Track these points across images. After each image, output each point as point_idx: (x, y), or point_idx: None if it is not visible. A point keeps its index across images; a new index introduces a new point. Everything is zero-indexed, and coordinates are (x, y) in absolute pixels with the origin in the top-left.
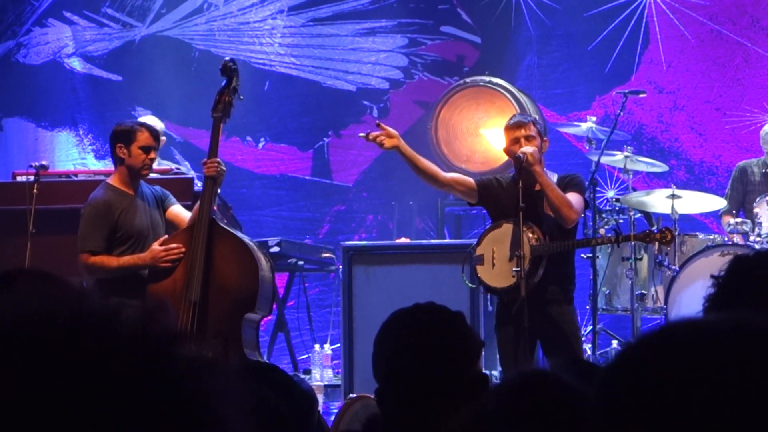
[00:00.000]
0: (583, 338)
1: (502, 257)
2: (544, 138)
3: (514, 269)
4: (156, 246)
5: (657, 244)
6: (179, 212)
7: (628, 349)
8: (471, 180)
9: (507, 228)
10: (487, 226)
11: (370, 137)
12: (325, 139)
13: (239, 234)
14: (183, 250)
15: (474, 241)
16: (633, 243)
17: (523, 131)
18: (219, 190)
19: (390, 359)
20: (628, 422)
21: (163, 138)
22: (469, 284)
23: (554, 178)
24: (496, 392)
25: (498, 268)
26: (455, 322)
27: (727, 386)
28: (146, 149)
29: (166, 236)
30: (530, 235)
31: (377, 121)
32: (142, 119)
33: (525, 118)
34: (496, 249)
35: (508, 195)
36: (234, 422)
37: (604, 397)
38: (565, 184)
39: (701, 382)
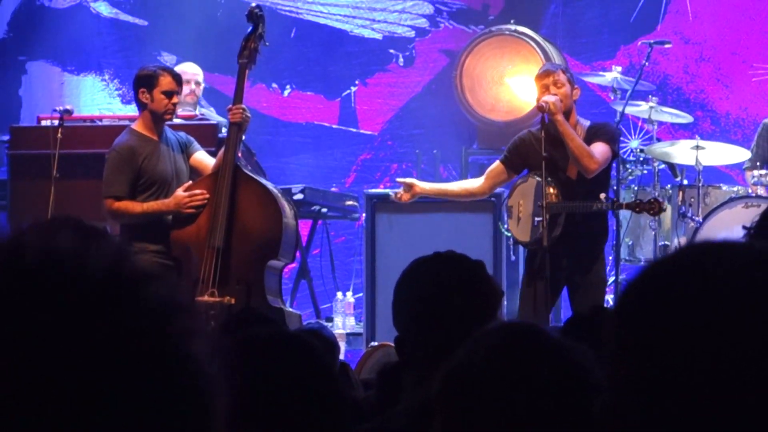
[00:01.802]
0: (607, 288)
1: (526, 211)
2: (575, 86)
3: (536, 219)
4: (180, 192)
5: (647, 214)
6: (203, 158)
7: (658, 262)
8: (499, 165)
9: (532, 182)
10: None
11: (396, 198)
12: (352, 87)
13: (263, 181)
14: (207, 196)
15: (504, 191)
16: (657, 193)
17: (551, 78)
18: (243, 137)
19: (410, 307)
20: (648, 333)
21: (201, 84)
22: (506, 232)
23: (586, 125)
24: (479, 343)
25: (523, 222)
26: (476, 271)
27: (754, 305)
28: (169, 94)
29: (191, 182)
30: (550, 191)
31: (398, 179)
32: (180, 66)
33: (553, 66)
34: (522, 202)
35: (535, 146)
36: (206, 362)
37: (625, 308)
38: (593, 133)
39: (728, 299)
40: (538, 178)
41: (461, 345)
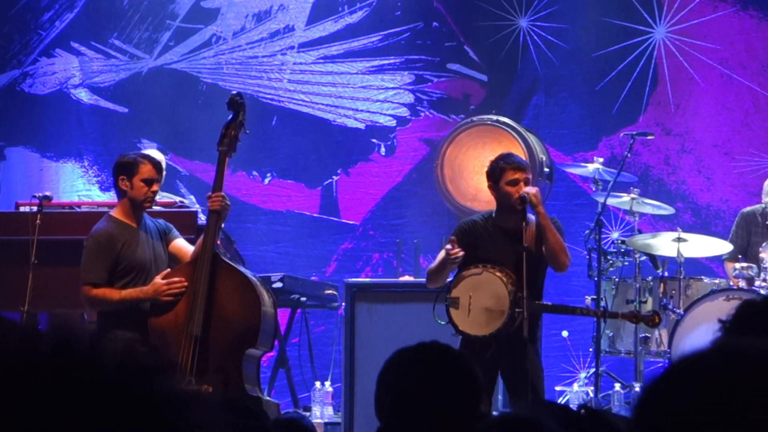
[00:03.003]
0: (586, 380)
1: (479, 306)
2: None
3: (516, 310)
4: (158, 279)
5: (645, 325)
6: (182, 246)
7: (667, 373)
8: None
9: (487, 277)
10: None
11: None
12: (334, 177)
13: (242, 269)
14: (185, 283)
15: None
16: (638, 285)
17: (525, 175)
18: (223, 225)
19: (393, 398)
20: None
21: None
22: (439, 321)
23: (533, 221)
24: None
25: (474, 316)
26: (459, 362)
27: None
28: (149, 182)
29: (169, 270)
30: (509, 286)
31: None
32: (145, 152)
33: (526, 163)
34: (473, 296)
35: (485, 237)
36: None
37: (643, 418)
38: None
39: (743, 406)
40: (495, 273)
41: None
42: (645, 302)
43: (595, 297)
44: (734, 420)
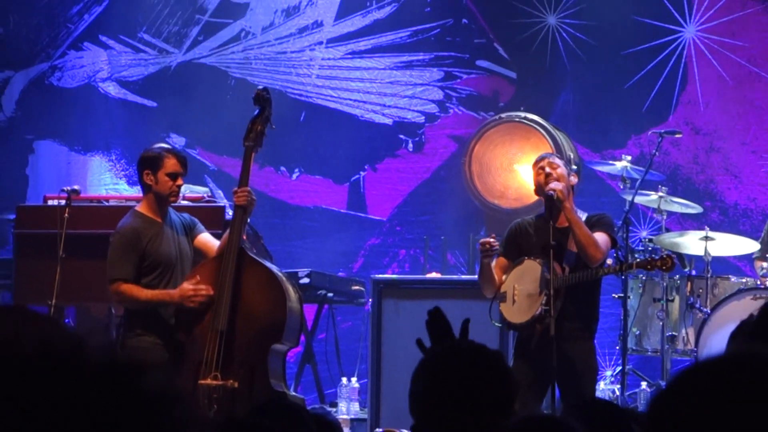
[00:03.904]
0: (612, 378)
1: (522, 293)
2: (572, 173)
3: (543, 308)
4: (186, 284)
5: (660, 270)
6: (207, 240)
7: (683, 376)
8: (503, 260)
9: (528, 264)
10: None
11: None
12: (361, 172)
13: (268, 264)
14: (211, 292)
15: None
16: (665, 283)
17: (546, 161)
18: (249, 220)
19: (427, 397)
20: None
21: None
22: (496, 323)
23: (583, 216)
24: None
25: (518, 304)
26: (495, 362)
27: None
28: (173, 176)
29: (198, 277)
30: (544, 265)
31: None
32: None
33: (546, 153)
34: (517, 285)
35: (530, 235)
36: None
37: (658, 421)
38: (593, 224)
39: (757, 413)
40: (534, 260)
41: None
42: (672, 300)
43: (618, 295)
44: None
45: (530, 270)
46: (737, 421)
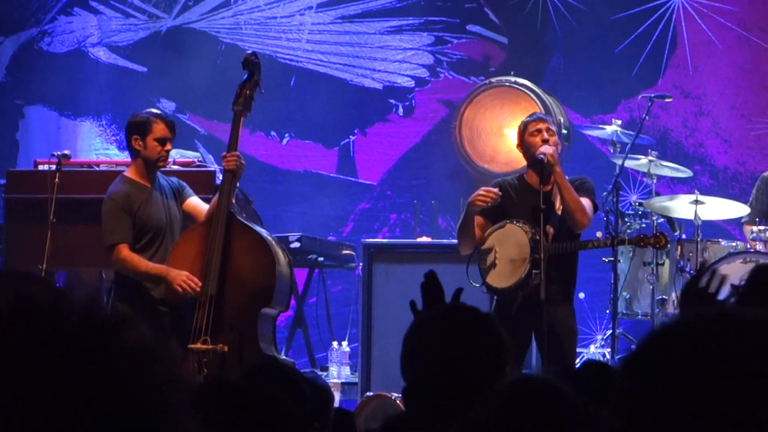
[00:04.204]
0: (603, 342)
1: (504, 257)
2: (559, 141)
3: (533, 271)
4: (186, 273)
5: (652, 248)
6: (197, 204)
7: (658, 333)
8: (480, 219)
9: (511, 229)
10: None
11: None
12: (351, 137)
13: (257, 228)
14: (199, 289)
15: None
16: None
17: (545, 124)
18: (239, 184)
19: (419, 360)
20: (656, 405)
21: None
22: (474, 284)
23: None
24: (494, 399)
25: (500, 268)
26: (487, 324)
27: (758, 374)
28: (162, 141)
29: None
30: (529, 233)
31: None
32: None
33: (545, 115)
34: (498, 249)
35: (511, 196)
36: (179, 408)
37: (632, 380)
38: (576, 188)
39: (733, 369)
40: (517, 225)
41: (471, 398)
42: (662, 264)
43: (608, 259)
44: (709, 392)
45: (513, 234)
46: (707, 384)
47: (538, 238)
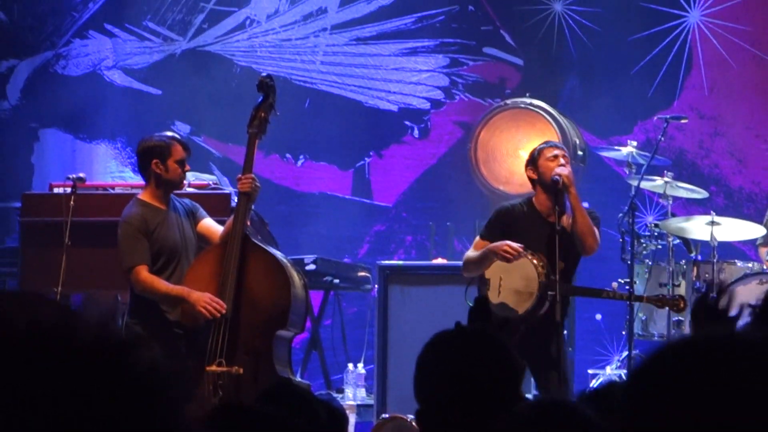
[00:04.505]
0: (619, 364)
1: (509, 287)
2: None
3: (549, 293)
4: (209, 295)
5: (670, 310)
6: (210, 225)
7: (666, 351)
8: (484, 242)
9: (520, 260)
10: None
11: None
12: (366, 159)
13: (272, 250)
14: (224, 311)
15: None
16: (671, 268)
17: (563, 151)
18: (254, 206)
19: (433, 381)
20: (659, 421)
21: None
22: (470, 303)
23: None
24: (517, 420)
25: (503, 298)
26: (499, 346)
27: (758, 397)
28: (182, 162)
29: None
30: (540, 269)
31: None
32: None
33: (562, 146)
34: (503, 278)
35: (518, 222)
36: (190, 428)
37: (637, 395)
38: None
39: (734, 392)
40: (528, 256)
41: (484, 421)
42: (678, 286)
43: (624, 280)
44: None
45: (520, 266)
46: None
47: (553, 277)
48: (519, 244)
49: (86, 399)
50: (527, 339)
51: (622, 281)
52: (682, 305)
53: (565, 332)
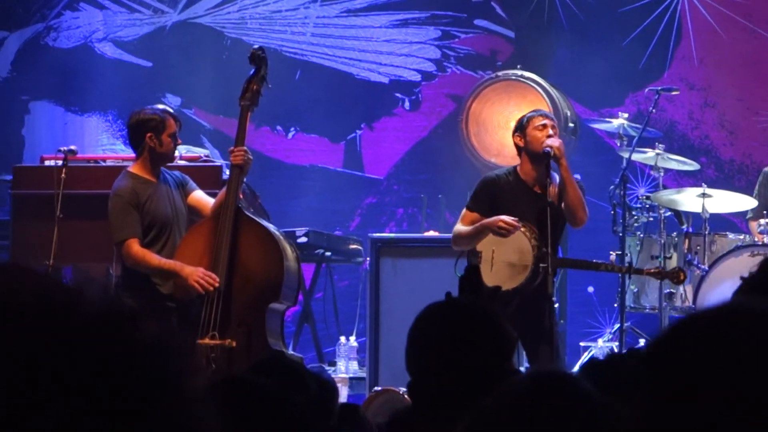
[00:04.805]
0: (611, 336)
1: (502, 260)
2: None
3: (541, 265)
4: (202, 269)
5: (670, 281)
6: (201, 197)
7: (682, 325)
8: (473, 215)
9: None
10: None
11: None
12: (358, 131)
13: (265, 223)
14: (217, 285)
15: None
16: (663, 241)
17: (551, 121)
18: (246, 179)
19: (424, 354)
20: (678, 395)
21: None
22: (459, 275)
23: (557, 179)
24: (512, 390)
25: (497, 270)
26: (491, 317)
27: None
28: (174, 136)
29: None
30: (532, 240)
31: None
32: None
33: (547, 112)
34: (496, 250)
35: (507, 191)
36: (197, 399)
37: (655, 369)
38: None
39: (756, 362)
40: (521, 230)
41: (476, 392)
42: (670, 258)
43: (620, 252)
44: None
45: (513, 238)
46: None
47: (545, 249)
48: (513, 218)
49: (91, 373)
50: (519, 312)
51: (614, 254)
52: (681, 277)
53: (557, 305)
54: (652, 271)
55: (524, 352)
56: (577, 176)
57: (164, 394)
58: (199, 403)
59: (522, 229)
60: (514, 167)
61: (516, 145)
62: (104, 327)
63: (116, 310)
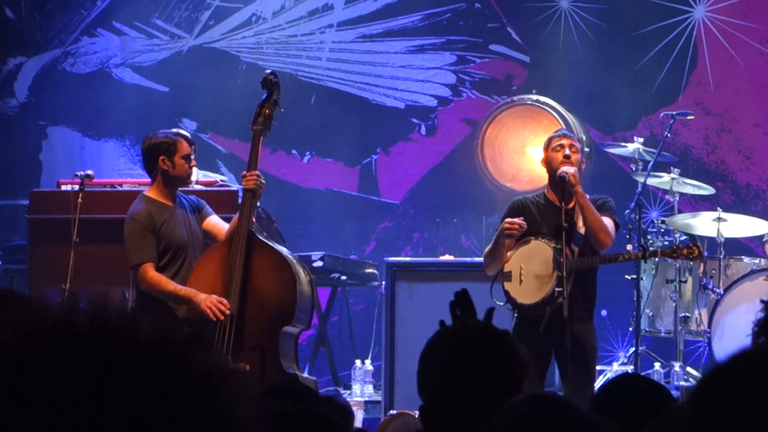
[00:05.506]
0: (626, 360)
1: (530, 273)
2: (583, 158)
3: (556, 289)
4: (216, 297)
5: (685, 259)
6: (217, 223)
7: (727, 367)
8: (509, 242)
9: (536, 245)
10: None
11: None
12: (373, 156)
13: (278, 247)
14: (228, 312)
15: None
16: (678, 264)
17: (569, 140)
18: (259, 203)
19: (436, 377)
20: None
21: None
22: (498, 302)
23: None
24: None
25: (525, 284)
26: (503, 341)
27: None
28: (188, 158)
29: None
30: (554, 247)
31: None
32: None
33: (571, 132)
34: (524, 265)
35: (533, 214)
36: (249, 425)
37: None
38: (598, 207)
39: None
40: (542, 241)
41: (488, 415)
42: (685, 281)
43: (631, 276)
44: None
45: (539, 251)
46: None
47: (560, 258)
48: (518, 218)
49: (148, 400)
50: (554, 330)
51: (629, 277)
52: (696, 252)
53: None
54: (667, 250)
55: (557, 370)
56: (607, 197)
57: (220, 419)
58: (252, 427)
59: (542, 240)
60: (544, 189)
61: (544, 165)
62: (159, 354)
63: (171, 336)
